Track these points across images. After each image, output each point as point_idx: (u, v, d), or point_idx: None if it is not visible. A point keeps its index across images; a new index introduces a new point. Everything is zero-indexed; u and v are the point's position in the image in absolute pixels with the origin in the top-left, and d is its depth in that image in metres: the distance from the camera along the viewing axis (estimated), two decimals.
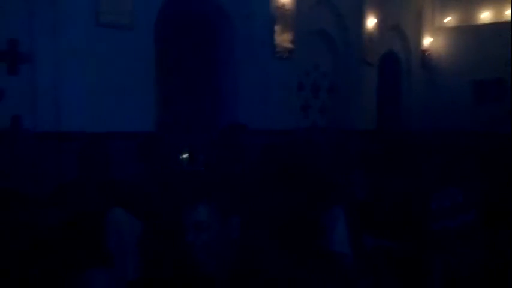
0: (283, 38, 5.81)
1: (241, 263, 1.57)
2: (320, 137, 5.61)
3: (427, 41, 9.00)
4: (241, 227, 1.63)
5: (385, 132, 7.58)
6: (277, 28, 5.70)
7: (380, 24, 7.52)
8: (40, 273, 1.81)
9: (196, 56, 5.43)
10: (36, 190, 2.98)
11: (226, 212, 1.60)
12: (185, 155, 4.30)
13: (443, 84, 8.72)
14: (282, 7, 5.73)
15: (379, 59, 7.76)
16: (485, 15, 8.79)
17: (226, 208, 1.63)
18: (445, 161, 3.14)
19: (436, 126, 7.98)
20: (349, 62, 7.19)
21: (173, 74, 5.23)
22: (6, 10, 3.71)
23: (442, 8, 9.19)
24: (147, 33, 4.47)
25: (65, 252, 2.49)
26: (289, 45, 5.91)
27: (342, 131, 6.71)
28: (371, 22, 7.39)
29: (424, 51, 8.95)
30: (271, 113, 5.60)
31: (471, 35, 8.62)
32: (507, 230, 2.73)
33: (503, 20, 8.44)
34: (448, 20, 9.20)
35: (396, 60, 8.58)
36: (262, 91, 5.59)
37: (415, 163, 3.39)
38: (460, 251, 2.62)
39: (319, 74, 7.06)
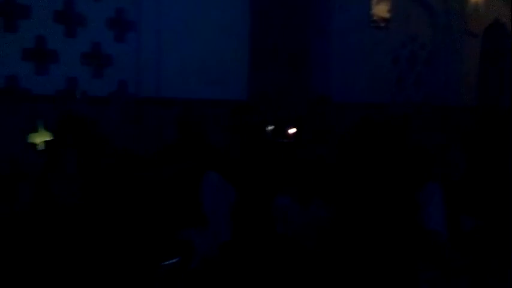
0: (379, 7, 5.60)
1: (331, 239, 1.59)
2: (415, 112, 5.39)
3: None
4: (328, 205, 1.63)
5: (488, 110, 7.09)
6: None
7: None
8: (150, 226, 1.96)
9: (290, 25, 5.41)
10: (140, 152, 3.18)
11: (312, 193, 1.60)
12: (271, 127, 4.33)
13: None
14: None
15: (483, 29, 7.21)
16: None
17: (313, 189, 1.64)
18: None
19: None
20: (450, 32, 6.75)
21: (267, 44, 5.25)
22: None
23: None
24: (242, 3, 4.54)
25: (167, 210, 2.65)
26: (386, 15, 5.67)
27: (438, 107, 6.39)
28: None
29: None
30: (364, 85, 5.46)
31: None
32: None
33: None
34: None
35: (503, 32, 7.92)
36: (356, 62, 5.45)
37: None
38: None
39: (417, 45, 6.71)
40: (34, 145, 3.40)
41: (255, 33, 4.87)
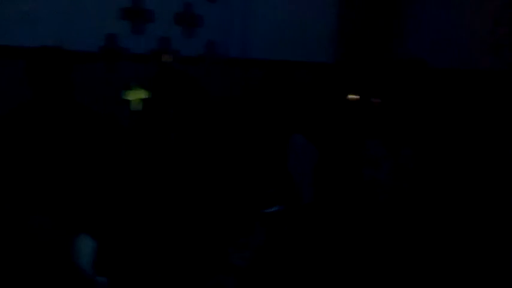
0: None
1: (419, 193, 1.56)
2: None
3: None
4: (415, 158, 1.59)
5: None
6: None
7: None
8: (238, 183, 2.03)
9: None
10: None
11: (399, 145, 1.58)
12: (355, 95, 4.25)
13: None
14: None
15: None
16: None
17: (399, 141, 1.60)
18: None
19: None
20: None
21: (356, 7, 5.08)
22: None
23: None
24: None
25: (253, 170, 2.73)
26: None
27: None
28: None
29: None
30: (459, 49, 5.14)
31: None
32: None
33: None
34: None
35: None
36: (450, 23, 5.13)
37: None
38: None
39: None
40: (128, 102, 3.59)
41: None
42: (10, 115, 2.57)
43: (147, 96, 3.54)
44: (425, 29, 5.14)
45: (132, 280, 1.51)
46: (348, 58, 5.00)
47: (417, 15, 5.21)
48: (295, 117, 3.30)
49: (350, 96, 4.09)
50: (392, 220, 2.33)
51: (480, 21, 5.36)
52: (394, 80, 3.96)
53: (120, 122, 3.31)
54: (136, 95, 3.59)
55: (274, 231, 1.68)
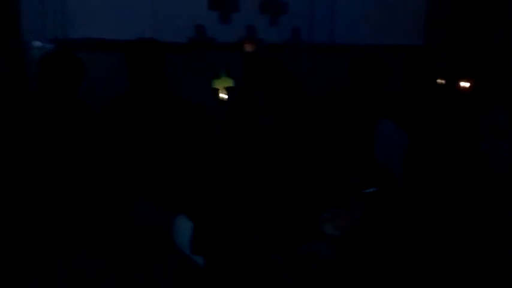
0: None
1: None
2: None
3: None
4: None
5: None
6: None
7: None
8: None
9: None
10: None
11: None
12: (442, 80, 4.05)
13: None
14: None
15: None
16: None
17: None
18: None
19: None
20: None
21: None
22: None
23: None
24: None
25: (339, 155, 2.71)
26: None
27: None
28: None
29: None
30: None
31: None
32: None
33: None
34: None
35: None
36: None
37: None
38: None
39: None
40: (216, 90, 3.70)
41: None
42: (112, 104, 2.76)
43: (233, 85, 3.63)
44: None
45: (227, 258, 1.58)
46: (439, 41, 4.77)
47: None
48: (384, 102, 3.22)
49: (439, 80, 3.93)
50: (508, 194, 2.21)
51: None
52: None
53: (207, 110, 3.43)
54: (223, 83, 3.69)
55: (371, 209, 1.67)
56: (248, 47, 3.83)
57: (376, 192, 1.77)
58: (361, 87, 3.27)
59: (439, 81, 3.87)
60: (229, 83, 3.67)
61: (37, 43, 3.11)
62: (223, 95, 3.65)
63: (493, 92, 3.57)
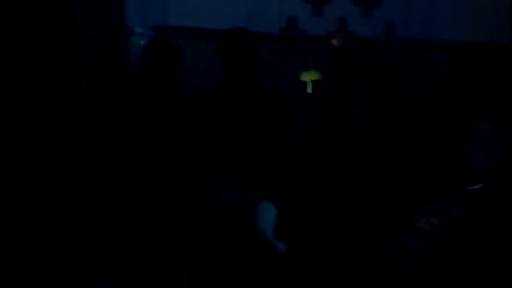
0: None
1: None
2: None
3: None
4: None
5: None
6: None
7: None
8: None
9: None
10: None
11: None
12: None
13: None
14: None
15: None
16: None
17: None
18: None
19: None
20: None
21: None
22: None
23: None
24: None
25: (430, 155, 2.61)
26: None
27: None
28: None
29: None
30: None
31: None
32: None
33: None
34: None
35: None
36: None
37: None
38: None
39: None
40: (304, 83, 3.69)
41: None
42: (204, 91, 2.86)
43: (320, 78, 3.61)
44: None
45: (311, 245, 1.58)
46: None
47: None
48: (481, 102, 3.05)
49: None
50: None
51: None
52: None
53: (292, 101, 3.44)
54: (311, 76, 3.68)
55: (477, 207, 1.59)
56: (335, 41, 3.78)
57: (481, 190, 1.68)
58: (460, 85, 3.11)
59: None
60: (317, 76, 3.66)
61: (139, 29, 3.30)
62: (309, 88, 3.65)
63: None
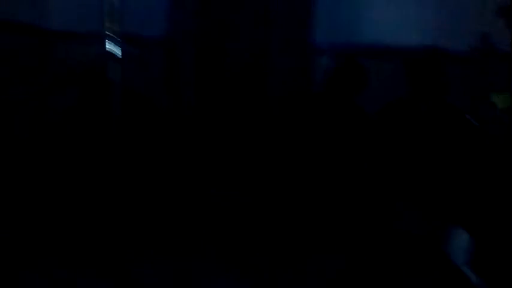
0: None
1: None
2: None
3: None
4: None
5: None
6: None
7: None
8: None
9: None
10: None
11: None
12: None
13: None
14: None
15: None
16: None
17: None
18: None
19: None
20: None
21: None
22: None
23: None
24: None
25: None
26: None
27: None
28: None
29: None
30: None
31: None
32: None
33: None
34: None
35: None
36: None
37: None
38: None
39: None
40: (494, 104, 3.39)
41: None
42: (387, 109, 2.82)
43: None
44: None
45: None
46: None
47: None
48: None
49: None
50: None
51: None
52: None
53: (485, 125, 3.18)
54: (504, 100, 3.37)
55: None
56: None
57: None
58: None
59: None
60: (507, 97, 3.34)
61: (325, 47, 3.39)
62: (503, 110, 3.34)
63: None
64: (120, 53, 2.96)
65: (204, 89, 3.60)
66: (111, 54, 2.93)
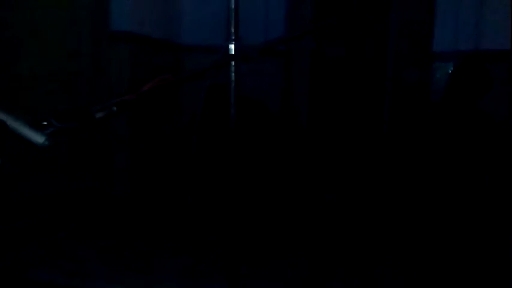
0: None
1: None
2: None
3: None
4: None
5: None
6: None
7: None
8: None
9: None
10: None
11: None
12: None
13: None
14: None
15: None
16: None
17: None
18: None
19: None
20: None
21: None
22: None
23: None
24: None
25: None
26: None
27: None
28: None
29: None
30: None
31: None
32: None
33: None
34: None
35: None
36: None
37: None
38: None
39: None
40: None
41: None
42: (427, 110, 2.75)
43: None
44: None
45: None
46: None
47: None
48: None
49: None
50: None
51: None
52: None
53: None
54: None
55: None
56: None
57: None
58: None
59: None
60: None
61: (446, 54, 3.32)
62: None
63: None
64: (242, 64, 3.18)
65: (317, 98, 3.70)
66: (234, 66, 3.17)
